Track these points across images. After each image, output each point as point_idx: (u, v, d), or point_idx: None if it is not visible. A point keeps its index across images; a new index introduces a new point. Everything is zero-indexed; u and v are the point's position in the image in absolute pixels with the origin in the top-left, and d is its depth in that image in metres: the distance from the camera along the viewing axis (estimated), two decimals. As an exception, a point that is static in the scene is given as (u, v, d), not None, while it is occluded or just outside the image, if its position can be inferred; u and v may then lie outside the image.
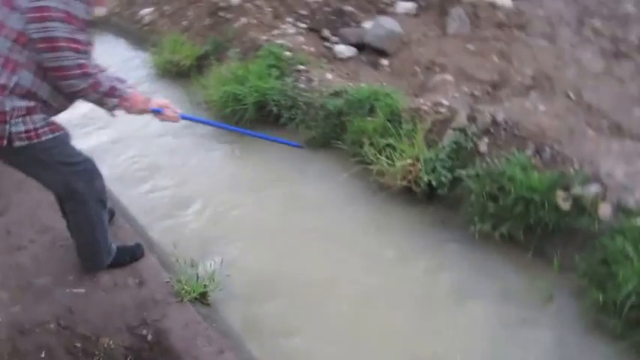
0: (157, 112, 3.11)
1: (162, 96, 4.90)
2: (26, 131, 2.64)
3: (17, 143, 2.64)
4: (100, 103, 2.88)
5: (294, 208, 4.10)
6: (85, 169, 2.96)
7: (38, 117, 2.67)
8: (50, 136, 2.73)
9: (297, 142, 4.56)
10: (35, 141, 2.68)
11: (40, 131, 2.68)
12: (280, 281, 3.49)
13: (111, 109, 2.94)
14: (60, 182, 2.93)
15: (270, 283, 3.48)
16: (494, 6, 5.60)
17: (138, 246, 3.48)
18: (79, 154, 2.97)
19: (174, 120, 3.23)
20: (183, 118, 3.34)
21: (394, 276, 3.42)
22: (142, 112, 3.05)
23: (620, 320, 2.75)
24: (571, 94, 4.17)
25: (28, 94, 2.63)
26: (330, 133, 4.56)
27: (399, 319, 3.14)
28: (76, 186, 2.92)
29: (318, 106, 4.63)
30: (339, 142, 4.44)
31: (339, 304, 3.27)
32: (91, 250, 3.24)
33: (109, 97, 2.83)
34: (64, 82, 2.64)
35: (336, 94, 4.63)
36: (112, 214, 3.69)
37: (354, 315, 3.20)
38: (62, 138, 2.85)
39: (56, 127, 2.78)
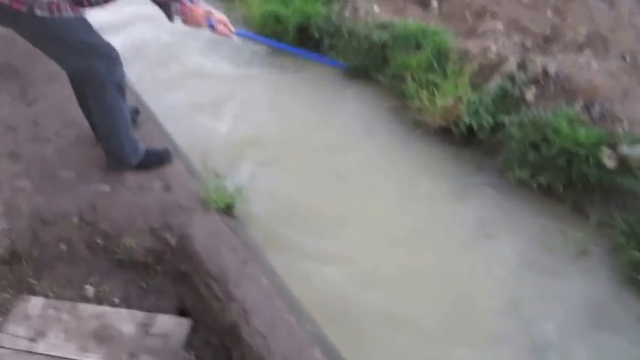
0: (212, 27, 3.09)
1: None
2: (49, 2, 2.55)
3: (38, 12, 2.55)
4: (162, 2, 2.86)
5: (326, 134, 4.03)
6: (106, 53, 2.90)
7: None
8: (72, 14, 2.65)
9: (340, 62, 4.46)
10: (56, 15, 2.60)
11: (62, 6, 2.59)
12: (306, 208, 3.45)
13: (172, 12, 2.89)
14: (80, 63, 2.85)
15: (296, 207, 3.45)
16: (554, -39, 5.38)
17: (166, 151, 3.42)
18: (101, 38, 2.90)
19: (228, 36, 3.21)
20: (239, 34, 3.35)
21: (425, 213, 3.38)
22: (198, 24, 3.00)
23: (656, 280, 2.70)
24: (627, 57, 4.02)
25: None
26: (372, 65, 4.45)
27: (429, 258, 3.10)
28: (98, 68, 2.85)
29: (362, 37, 4.50)
30: (380, 75, 4.33)
31: (363, 239, 3.24)
32: (113, 143, 3.18)
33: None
34: None
35: (383, 26, 4.50)
36: (136, 111, 3.65)
37: (381, 251, 3.16)
38: (84, 20, 2.78)
39: (77, 10, 2.70)
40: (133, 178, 3.25)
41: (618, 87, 3.64)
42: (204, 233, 2.93)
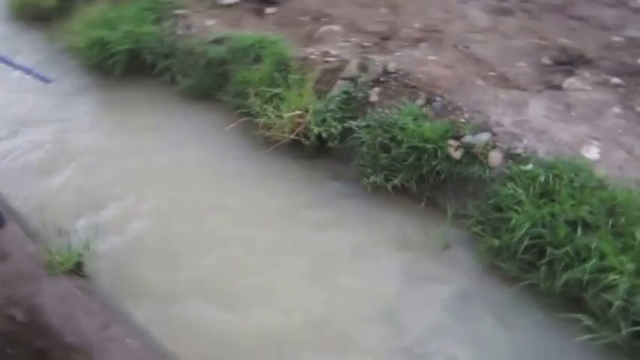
0: None
1: (17, 41, 4.39)
2: None
3: None
4: None
5: (171, 162, 3.79)
6: None
7: None
8: None
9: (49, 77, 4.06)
10: None
11: None
12: (160, 242, 3.22)
13: None
14: None
15: (150, 245, 3.20)
16: (381, -41, 5.46)
17: None
18: None
19: None
20: None
21: (285, 231, 3.23)
22: None
23: (515, 263, 2.71)
24: (459, 47, 4.11)
25: None
26: (211, 83, 4.26)
27: (291, 276, 2.96)
28: None
29: (198, 54, 4.30)
30: (222, 94, 4.14)
31: (223, 262, 3.06)
32: None
33: None
34: None
35: (218, 41, 4.32)
36: None
37: (238, 270, 2.99)
38: None
39: None
40: (-39, 252, 2.85)
41: (455, 77, 3.70)
42: (55, 301, 2.63)
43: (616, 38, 4.16)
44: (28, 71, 3.87)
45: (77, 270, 2.91)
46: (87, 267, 2.97)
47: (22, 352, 2.52)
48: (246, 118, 3.84)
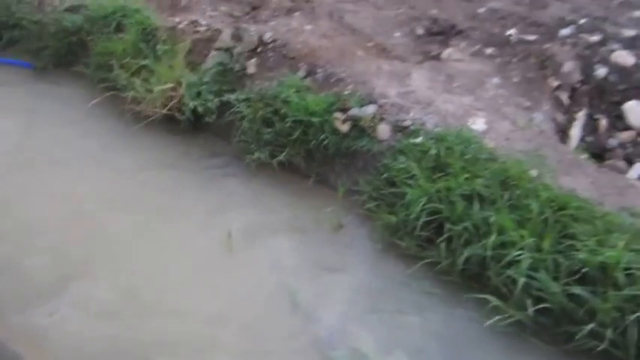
0: None
1: None
2: None
3: None
4: None
5: (25, 144, 3.31)
6: None
7: None
8: None
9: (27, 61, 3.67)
10: None
11: None
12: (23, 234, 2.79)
13: None
14: None
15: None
16: None
17: None
18: None
19: None
20: None
21: (162, 218, 2.91)
22: None
23: (414, 240, 2.63)
24: (334, 17, 3.97)
25: None
26: (68, 55, 3.80)
27: (183, 263, 2.68)
28: None
29: (51, 23, 3.79)
30: (82, 66, 3.69)
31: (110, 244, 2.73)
32: None
33: None
34: None
35: (73, 8, 3.84)
36: None
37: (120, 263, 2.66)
38: None
39: None
40: None
41: (334, 47, 3.56)
42: None
43: (480, 10, 4.23)
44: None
45: None
46: None
47: None
48: (111, 93, 3.45)
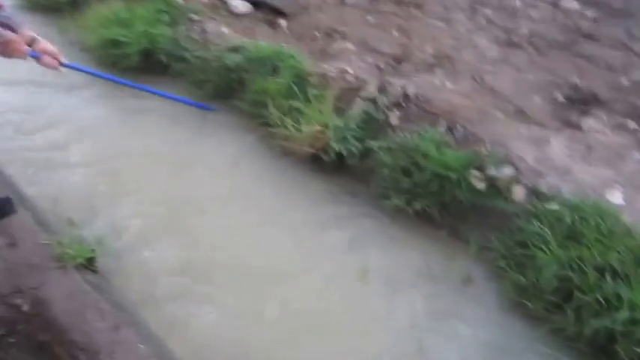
0: (36, 58, 2.72)
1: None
2: None
3: None
4: None
5: (191, 168, 3.71)
6: None
7: None
8: None
9: (207, 103, 4.12)
10: None
11: None
12: (176, 246, 3.14)
13: None
14: None
15: (165, 248, 3.12)
16: (391, -18, 5.48)
17: (7, 200, 2.93)
18: None
19: (54, 68, 2.81)
20: (66, 66, 2.92)
21: (300, 246, 3.20)
22: (19, 55, 2.60)
23: (541, 303, 2.71)
24: (476, 77, 4.13)
25: None
26: (227, 89, 4.19)
27: (311, 298, 2.89)
28: None
29: (213, 60, 4.20)
30: (239, 101, 4.07)
31: (244, 275, 2.99)
32: None
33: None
34: None
35: (235, 49, 4.24)
36: None
37: (258, 289, 2.92)
38: None
39: None
40: (-32, 235, 2.71)
41: (474, 107, 3.71)
42: (63, 295, 2.52)
43: (624, 81, 4.25)
44: (189, 103, 4.15)
45: (89, 265, 2.81)
46: (99, 263, 2.87)
47: (24, 343, 2.45)
48: (263, 128, 3.80)
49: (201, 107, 4.15)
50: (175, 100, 4.04)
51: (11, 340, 2.44)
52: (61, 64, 2.83)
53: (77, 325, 2.39)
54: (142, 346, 2.36)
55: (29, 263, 2.64)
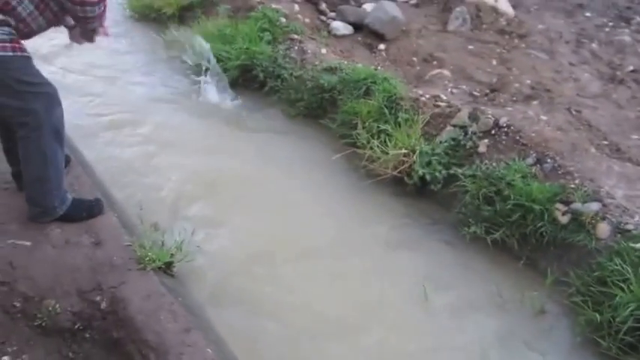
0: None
1: (136, 41, 4.65)
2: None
3: None
4: (86, 32, 2.87)
5: (277, 182, 3.87)
6: (46, 93, 2.71)
7: (4, 30, 2.48)
8: (10, 53, 2.51)
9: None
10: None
11: (2, 45, 2.47)
12: (254, 258, 3.27)
13: (89, 39, 2.93)
14: (16, 103, 2.62)
15: (243, 259, 3.26)
16: (496, 11, 5.51)
17: (97, 201, 3.13)
18: (41, 76, 2.72)
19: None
20: None
21: (375, 269, 3.25)
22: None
23: (616, 342, 2.64)
24: (572, 110, 4.08)
25: (4, 7, 2.46)
26: (318, 108, 4.37)
27: (384, 317, 2.96)
28: (35, 107, 2.64)
29: (309, 79, 4.41)
30: (328, 121, 4.23)
31: (315, 286, 3.10)
32: (40, 190, 2.86)
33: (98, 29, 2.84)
34: (81, 7, 2.53)
35: (331, 69, 4.42)
36: (67, 160, 3.36)
37: (334, 301, 3.01)
38: (25, 59, 2.62)
39: (19, 47, 2.56)
40: (58, 232, 2.90)
41: (567, 141, 3.67)
42: (140, 296, 2.63)
43: None
44: None
45: (166, 269, 2.94)
46: (176, 268, 3.02)
47: (98, 339, 2.57)
48: (350, 149, 3.91)
49: None
50: None
51: (86, 335, 2.57)
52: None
53: (150, 326, 2.48)
54: (209, 350, 2.43)
55: (111, 263, 2.78)
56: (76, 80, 4.95)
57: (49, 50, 5.23)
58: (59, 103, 2.76)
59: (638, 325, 2.62)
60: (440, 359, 2.77)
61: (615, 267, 2.85)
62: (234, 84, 4.74)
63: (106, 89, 4.86)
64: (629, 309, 2.65)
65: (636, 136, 3.89)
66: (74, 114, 4.31)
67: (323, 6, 5.48)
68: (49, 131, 2.71)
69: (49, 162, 2.80)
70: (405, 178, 3.68)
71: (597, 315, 2.75)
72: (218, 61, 4.72)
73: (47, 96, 2.69)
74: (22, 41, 2.59)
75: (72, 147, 3.80)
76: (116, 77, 5.05)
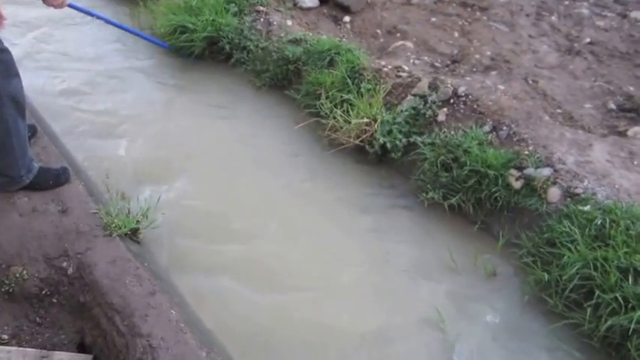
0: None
1: (105, 14, 4.66)
2: None
3: None
4: None
5: (239, 150, 3.95)
6: (1, 60, 2.67)
7: None
8: None
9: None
10: None
11: None
12: (216, 223, 3.36)
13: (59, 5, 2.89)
14: None
15: (205, 223, 3.35)
16: (459, -16, 5.56)
17: (64, 170, 3.16)
18: None
19: (57, 6, 2.96)
20: (70, 6, 3.43)
21: (337, 231, 3.36)
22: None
23: (561, 300, 2.79)
24: (529, 80, 4.19)
25: None
26: (283, 79, 4.42)
27: (343, 276, 3.08)
28: None
29: (274, 51, 4.44)
30: (293, 91, 4.29)
31: (273, 247, 3.22)
32: (6, 160, 2.88)
33: None
34: None
35: (296, 41, 4.46)
36: (33, 130, 3.37)
37: (296, 265, 3.12)
38: None
39: None
40: (25, 200, 2.96)
41: (523, 109, 3.79)
42: (106, 261, 2.70)
43: (684, 94, 4.20)
44: (145, 38, 4.81)
45: (132, 235, 3.02)
46: (142, 234, 3.09)
47: (66, 303, 2.66)
48: (314, 119, 3.99)
49: (156, 43, 4.77)
50: (134, 33, 4.70)
51: (54, 300, 2.66)
52: (68, 4, 3.04)
53: (116, 289, 2.57)
54: (173, 311, 2.51)
55: (78, 229, 2.84)
56: (46, 57, 4.93)
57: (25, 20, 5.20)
58: (17, 73, 2.75)
59: (583, 283, 2.76)
60: (395, 319, 2.89)
61: (564, 229, 2.99)
62: (200, 56, 4.75)
63: (71, 64, 4.85)
64: (575, 267, 2.79)
65: (589, 105, 4.02)
66: (40, 86, 4.33)
67: (288, -22, 5.49)
68: (8, 100, 2.71)
69: (11, 134, 2.81)
70: (367, 147, 3.76)
71: (546, 274, 2.89)
72: (185, 32, 4.73)
73: (3, 64, 2.67)
74: None
75: (38, 117, 3.81)
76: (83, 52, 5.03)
